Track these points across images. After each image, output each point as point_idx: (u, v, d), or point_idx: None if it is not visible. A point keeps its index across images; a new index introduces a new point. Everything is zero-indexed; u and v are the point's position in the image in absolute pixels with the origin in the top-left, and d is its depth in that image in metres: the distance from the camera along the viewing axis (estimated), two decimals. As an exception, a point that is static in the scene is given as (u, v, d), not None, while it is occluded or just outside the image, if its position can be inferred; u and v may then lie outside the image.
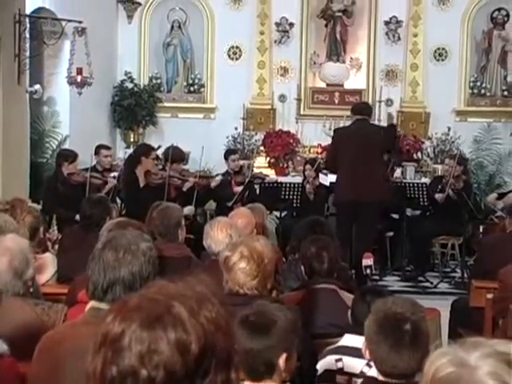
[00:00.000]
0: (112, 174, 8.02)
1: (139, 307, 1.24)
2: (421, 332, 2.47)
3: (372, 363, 2.60)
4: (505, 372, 1.19)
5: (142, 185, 7.95)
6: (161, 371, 1.19)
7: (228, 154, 9.28)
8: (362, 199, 7.41)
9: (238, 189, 8.69)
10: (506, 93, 10.98)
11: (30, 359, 2.42)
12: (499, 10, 10.93)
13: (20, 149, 7.20)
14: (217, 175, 8.94)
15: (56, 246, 5.60)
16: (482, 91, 11.00)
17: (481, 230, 8.75)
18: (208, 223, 4.71)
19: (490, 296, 4.89)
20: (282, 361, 2.51)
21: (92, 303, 2.49)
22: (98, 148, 8.27)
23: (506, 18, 10.94)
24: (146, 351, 1.19)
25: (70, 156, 7.77)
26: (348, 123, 8.67)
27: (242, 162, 9.36)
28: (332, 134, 8.66)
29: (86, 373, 1.25)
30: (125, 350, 1.20)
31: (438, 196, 8.48)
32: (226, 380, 1.26)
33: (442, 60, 11.04)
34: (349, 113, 8.19)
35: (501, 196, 9.29)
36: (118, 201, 8.17)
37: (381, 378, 2.49)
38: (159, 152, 8.65)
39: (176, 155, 8.39)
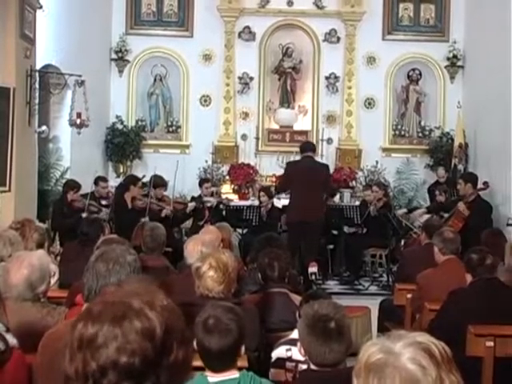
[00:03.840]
0: (105, 202, 7.99)
1: (104, 311, 1.22)
2: (344, 327, 2.46)
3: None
4: (422, 357, 1.20)
5: (129, 207, 7.93)
6: (136, 357, 1.18)
7: (202, 182, 9.25)
8: (307, 220, 7.44)
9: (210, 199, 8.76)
10: (420, 134, 11.13)
11: (35, 352, 2.39)
12: (414, 69, 11.12)
13: (29, 178, 7.11)
14: (191, 200, 8.92)
15: (58, 258, 5.52)
16: (402, 133, 11.14)
17: (402, 243, 8.79)
18: (186, 240, 4.68)
19: (409, 296, 4.90)
20: (240, 352, 2.51)
21: (86, 305, 2.46)
22: (97, 180, 8.24)
23: (419, 76, 11.14)
24: (121, 343, 1.18)
25: (75, 187, 7.76)
26: (297, 157, 8.74)
27: (212, 189, 9.34)
28: (285, 165, 8.74)
29: (65, 374, 1.21)
30: (102, 347, 1.18)
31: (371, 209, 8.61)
32: (186, 354, 1.26)
33: (371, 108, 11.17)
34: (297, 149, 8.27)
35: (410, 211, 9.42)
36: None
37: (314, 368, 2.47)
38: (144, 180, 8.64)
39: (158, 182, 8.41)
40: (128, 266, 2.46)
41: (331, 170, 10.03)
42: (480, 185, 8.26)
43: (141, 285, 1.31)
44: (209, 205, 8.74)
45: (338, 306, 2.58)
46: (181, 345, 1.25)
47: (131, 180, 8.29)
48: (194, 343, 2.41)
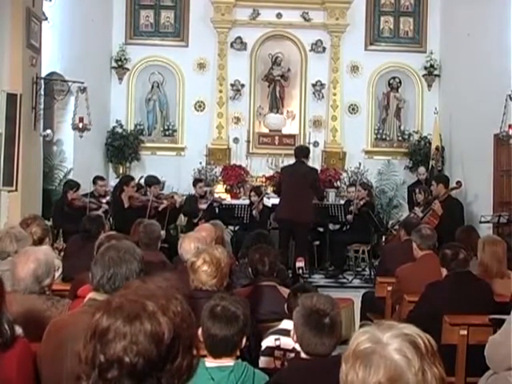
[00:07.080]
0: (105, 200, 7.97)
1: (121, 307, 1.21)
2: (337, 324, 2.45)
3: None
4: (407, 349, 1.19)
5: (126, 206, 7.91)
6: (140, 358, 1.16)
7: (196, 182, 9.26)
8: (296, 219, 7.46)
9: (204, 206, 8.72)
10: (400, 138, 11.18)
11: (40, 341, 2.38)
12: (394, 78, 11.16)
13: (35, 179, 7.08)
14: (182, 195, 8.91)
15: (62, 253, 5.51)
16: (383, 136, 11.18)
17: (383, 240, 8.82)
18: (181, 237, 4.66)
19: (389, 288, 4.92)
20: (242, 343, 2.51)
21: (90, 294, 2.45)
22: (95, 179, 8.23)
23: (399, 84, 11.18)
24: (128, 343, 1.17)
25: (74, 186, 7.73)
26: (285, 160, 8.74)
27: (205, 189, 9.34)
28: (279, 169, 8.74)
29: (79, 357, 1.21)
30: (111, 342, 1.17)
31: (348, 217, 8.60)
32: (190, 362, 1.24)
33: (354, 113, 11.19)
34: (286, 152, 8.26)
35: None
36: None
37: (304, 356, 2.47)
38: (142, 180, 8.64)
39: (152, 180, 8.41)
40: (137, 257, 2.48)
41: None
42: (453, 184, 8.31)
43: (163, 285, 1.28)
44: (204, 206, 8.72)
45: (334, 303, 2.56)
46: (187, 352, 1.22)
47: (124, 181, 8.31)
48: (200, 331, 2.41)
